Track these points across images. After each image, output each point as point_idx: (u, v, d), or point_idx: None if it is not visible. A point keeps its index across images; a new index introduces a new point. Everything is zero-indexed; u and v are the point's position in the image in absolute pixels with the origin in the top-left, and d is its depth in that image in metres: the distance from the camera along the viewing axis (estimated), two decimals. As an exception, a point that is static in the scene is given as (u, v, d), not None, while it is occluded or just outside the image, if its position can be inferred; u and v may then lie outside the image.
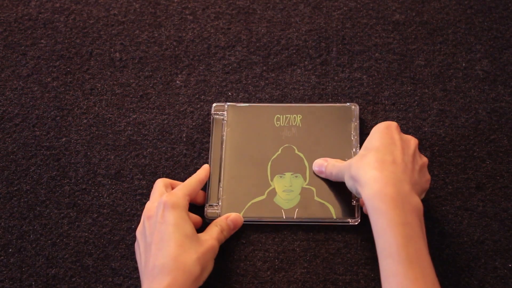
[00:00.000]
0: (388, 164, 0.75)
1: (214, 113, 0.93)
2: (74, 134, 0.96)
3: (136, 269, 0.87)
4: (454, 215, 0.87)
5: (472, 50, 0.98)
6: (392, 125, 0.80)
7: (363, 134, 0.91)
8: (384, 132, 0.79)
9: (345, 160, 0.85)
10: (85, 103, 0.99)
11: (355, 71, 0.97)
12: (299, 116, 0.86)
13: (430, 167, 0.87)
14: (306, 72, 0.98)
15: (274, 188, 0.84)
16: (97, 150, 0.95)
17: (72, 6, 1.06)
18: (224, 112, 0.92)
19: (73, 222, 0.91)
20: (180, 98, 0.98)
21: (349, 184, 0.80)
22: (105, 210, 0.91)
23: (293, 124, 0.85)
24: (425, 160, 0.81)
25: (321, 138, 0.86)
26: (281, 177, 0.85)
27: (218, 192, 0.88)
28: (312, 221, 0.85)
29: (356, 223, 0.85)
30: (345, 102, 0.92)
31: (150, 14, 1.05)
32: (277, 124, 0.86)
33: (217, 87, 0.98)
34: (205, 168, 0.89)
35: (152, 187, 0.90)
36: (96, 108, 0.98)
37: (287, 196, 0.84)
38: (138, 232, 0.82)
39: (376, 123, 0.92)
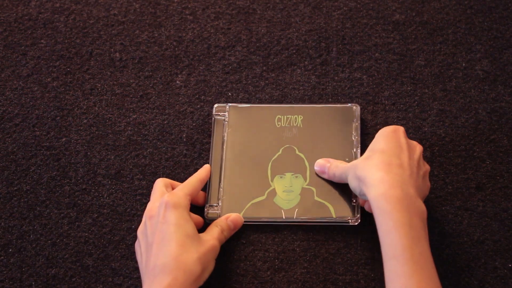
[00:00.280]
0: (395, 167, 0.75)
1: (216, 114, 0.93)
2: (74, 134, 0.96)
3: (136, 269, 0.87)
4: (454, 215, 0.87)
5: (472, 50, 0.98)
6: (399, 129, 0.80)
7: (363, 134, 0.91)
8: (390, 136, 0.79)
9: (346, 161, 0.85)
10: (85, 103, 0.99)
11: (355, 71, 0.97)
12: (300, 117, 0.86)
13: (430, 167, 0.87)
14: (306, 72, 0.98)
15: (274, 189, 0.85)
16: (97, 150, 0.95)
17: (72, 6, 1.06)
18: (225, 113, 0.92)
19: (73, 222, 0.91)
20: (180, 98, 0.98)
21: (353, 184, 0.80)
22: (105, 210, 0.91)
23: (294, 125, 0.85)
24: (428, 167, 0.82)
25: (322, 138, 0.86)
26: (281, 177, 0.85)
27: (218, 193, 0.88)
28: (312, 221, 0.85)
29: (356, 223, 0.85)
30: (346, 103, 0.92)
31: (150, 14, 1.05)
32: (278, 124, 0.86)
33: (217, 87, 0.98)
34: (205, 168, 0.89)
35: (152, 187, 0.90)
36: (96, 108, 0.98)
37: (287, 196, 0.84)
38: (139, 232, 0.83)
39: (376, 123, 0.93)
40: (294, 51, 1.00)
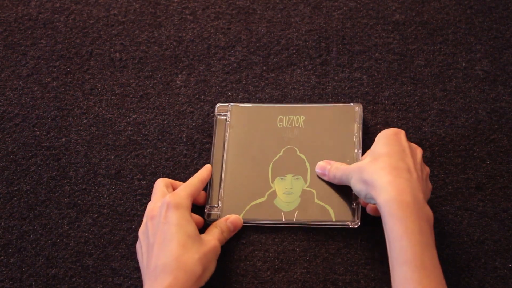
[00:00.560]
0: (403, 171, 0.75)
1: (218, 114, 0.93)
2: (74, 134, 0.97)
3: (136, 269, 0.87)
4: (454, 215, 0.87)
5: (472, 50, 0.98)
6: (401, 132, 0.80)
7: (363, 134, 0.91)
8: (392, 139, 0.79)
9: (347, 162, 0.85)
10: (85, 103, 0.99)
11: (355, 71, 0.97)
12: (302, 117, 0.86)
13: (430, 167, 0.87)
14: (306, 72, 0.98)
15: (274, 190, 0.84)
16: (97, 150, 0.95)
17: (72, 6, 1.06)
18: (227, 113, 0.92)
19: (73, 222, 0.91)
20: (180, 98, 0.98)
21: (357, 187, 0.79)
22: (105, 210, 0.91)
23: (296, 125, 0.85)
24: (428, 169, 0.82)
25: (324, 139, 0.86)
26: (282, 179, 0.85)
27: (219, 194, 0.88)
28: (312, 224, 0.85)
29: (356, 226, 0.85)
30: (349, 102, 0.91)
31: (150, 14, 1.05)
32: (280, 125, 0.85)
33: (217, 87, 0.98)
34: (207, 168, 0.89)
35: (152, 187, 0.90)
36: (96, 108, 0.98)
37: (287, 198, 0.84)
38: (141, 232, 0.83)
39: (376, 123, 0.93)
40: (294, 51, 1.00)
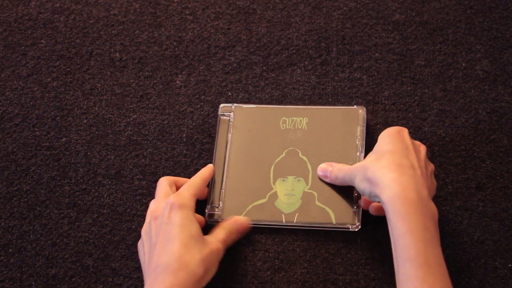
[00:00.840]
0: (407, 168, 0.75)
1: (221, 114, 0.93)
2: (74, 134, 0.97)
3: (136, 269, 0.87)
4: (454, 215, 0.87)
5: (472, 50, 0.98)
6: (404, 130, 0.80)
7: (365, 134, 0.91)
8: (396, 137, 0.79)
9: (349, 164, 0.85)
10: (85, 103, 0.99)
11: (355, 71, 0.97)
12: (305, 119, 0.85)
13: (430, 167, 0.87)
14: (306, 72, 0.98)
15: (276, 192, 0.84)
16: (97, 150, 0.95)
17: (72, 6, 1.06)
18: (230, 113, 0.92)
19: (73, 222, 0.91)
20: (180, 98, 0.98)
21: (362, 186, 0.79)
22: (105, 210, 0.91)
23: (299, 127, 0.85)
24: (432, 166, 0.82)
25: (326, 141, 0.85)
26: (283, 180, 0.84)
27: (220, 194, 0.88)
28: (312, 226, 0.85)
29: (357, 229, 0.85)
30: (352, 104, 0.91)
31: (150, 14, 1.05)
32: (283, 126, 0.85)
33: (217, 87, 0.98)
34: (209, 167, 0.89)
35: (152, 187, 0.90)
36: (96, 108, 0.98)
37: (288, 200, 0.84)
38: (143, 232, 0.82)
39: (376, 123, 0.93)
40: (294, 51, 1.00)
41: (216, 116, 0.96)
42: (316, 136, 0.85)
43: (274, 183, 0.84)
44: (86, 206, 0.92)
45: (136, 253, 0.88)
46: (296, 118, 0.86)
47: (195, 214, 0.82)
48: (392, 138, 0.79)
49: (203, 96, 0.97)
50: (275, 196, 0.84)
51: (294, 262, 0.86)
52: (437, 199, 0.88)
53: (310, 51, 1.00)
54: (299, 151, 0.85)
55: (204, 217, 0.87)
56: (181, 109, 0.97)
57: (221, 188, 0.88)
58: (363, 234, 0.86)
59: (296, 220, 0.84)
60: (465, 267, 0.84)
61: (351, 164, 0.85)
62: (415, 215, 0.72)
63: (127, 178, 0.93)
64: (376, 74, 0.97)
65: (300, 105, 0.93)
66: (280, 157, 0.85)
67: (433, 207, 0.75)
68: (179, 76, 0.99)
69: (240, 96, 0.97)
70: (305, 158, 0.84)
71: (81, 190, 0.93)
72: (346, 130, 0.86)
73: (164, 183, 0.86)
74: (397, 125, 0.93)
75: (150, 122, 0.96)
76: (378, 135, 0.92)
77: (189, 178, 0.88)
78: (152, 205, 0.85)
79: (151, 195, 0.91)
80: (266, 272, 0.85)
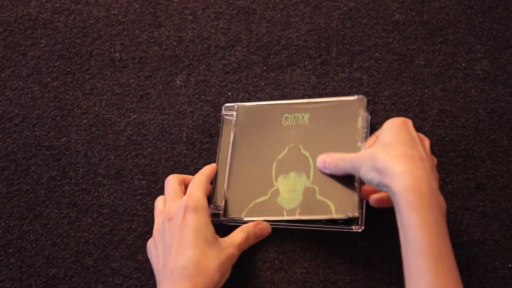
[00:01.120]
0: (417, 159, 0.74)
1: (225, 114, 0.93)
2: (74, 134, 0.97)
3: (136, 269, 0.87)
4: (454, 215, 0.87)
5: (472, 50, 0.98)
6: (408, 121, 0.79)
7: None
8: (401, 127, 0.78)
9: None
10: (85, 103, 0.99)
11: (355, 71, 0.97)
12: (308, 115, 0.85)
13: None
14: (306, 72, 0.98)
15: (277, 188, 0.84)
16: (97, 150, 0.95)
17: (72, 6, 1.06)
18: (233, 112, 0.92)
19: (73, 222, 0.91)
20: (180, 98, 0.98)
21: (369, 176, 0.77)
22: (105, 210, 0.91)
23: (301, 123, 0.84)
24: (436, 160, 0.82)
25: (328, 134, 0.84)
26: (285, 177, 0.84)
27: (223, 194, 0.88)
28: (313, 225, 0.84)
29: (360, 230, 0.84)
30: (353, 94, 0.90)
31: (150, 14, 1.05)
32: (285, 123, 0.85)
33: (217, 87, 0.98)
34: (212, 164, 0.89)
35: (152, 187, 0.90)
36: (96, 108, 0.98)
37: (290, 195, 0.84)
38: (156, 232, 0.82)
39: (376, 123, 0.93)
40: (294, 51, 1.00)
41: (216, 116, 0.96)
42: (318, 130, 0.84)
43: (276, 180, 0.84)
44: (86, 206, 0.92)
45: (136, 253, 0.88)
46: (298, 114, 0.85)
47: (209, 215, 0.82)
48: (398, 129, 0.78)
49: (203, 96, 0.97)
50: (277, 193, 0.84)
51: (294, 262, 0.86)
52: (437, 199, 0.88)
53: (310, 51, 1.00)
54: (301, 146, 0.84)
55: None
56: (181, 109, 0.97)
57: (224, 188, 0.88)
58: (363, 234, 0.86)
59: (297, 214, 0.83)
60: (465, 267, 0.84)
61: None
62: (428, 208, 0.71)
63: (127, 178, 0.93)
64: (376, 74, 0.97)
65: (303, 99, 0.91)
66: (282, 154, 0.84)
67: (442, 199, 0.74)
68: (179, 76, 0.99)
69: (240, 96, 0.97)
70: (306, 153, 0.83)
71: (81, 190, 0.93)
72: (348, 121, 0.85)
73: (174, 182, 0.85)
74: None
75: (150, 122, 0.96)
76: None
77: (173, 174, 0.88)
78: (160, 202, 0.84)
79: (151, 195, 0.91)
80: (266, 272, 0.85)
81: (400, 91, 0.96)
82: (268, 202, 0.84)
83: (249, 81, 0.98)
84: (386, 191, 0.76)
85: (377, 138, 0.81)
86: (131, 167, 0.93)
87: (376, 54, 0.98)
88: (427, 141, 0.80)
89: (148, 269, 0.87)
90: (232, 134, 0.90)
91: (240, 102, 0.95)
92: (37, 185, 0.94)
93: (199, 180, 0.85)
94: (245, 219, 0.86)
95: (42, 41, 1.04)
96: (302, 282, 0.84)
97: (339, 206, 0.81)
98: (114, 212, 0.91)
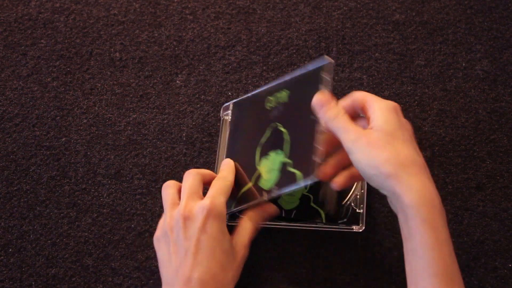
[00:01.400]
0: (424, 169, 0.71)
1: (225, 114, 0.92)
2: (74, 134, 0.97)
3: (136, 268, 0.87)
4: (454, 215, 0.87)
5: (472, 50, 0.98)
6: (398, 109, 0.75)
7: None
8: (398, 120, 0.74)
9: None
10: (85, 103, 0.99)
11: (355, 71, 0.97)
12: (287, 92, 0.80)
13: (430, 167, 0.86)
14: (306, 72, 0.98)
15: (260, 172, 0.81)
16: (97, 150, 0.95)
17: (72, 6, 1.06)
18: (229, 111, 0.92)
19: (73, 222, 0.91)
20: (180, 98, 0.98)
21: (369, 172, 0.71)
22: (105, 210, 0.91)
23: (282, 102, 0.80)
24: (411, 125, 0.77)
25: (304, 107, 0.77)
26: (266, 158, 0.81)
27: None
28: (308, 226, 0.85)
29: (361, 230, 0.84)
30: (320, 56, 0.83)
31: (150, 14, 1.05)
32: (268, 106, 0.82)
33: (217, 87, 0.98)
34: (231, 166, 0.84)
35: (152, 186, 0.91)
36: (96, 108, 0.98)
37: (269, 175, 0.80)
38: (170, 228, 0.77)
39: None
40: (294, 51, 1.00)
41: (216, 115, 0.96)
42: (296, 106, 0.79)
43: (259, 164, 0.81)
44: (86, 205, 0.92)
45: (136, 252, 0.88)
46: (278, 94, 0.81)
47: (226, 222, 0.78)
48: (395, 120, 0.73)
49: (203, 96, 0.98)
50: (259, 177, 0.81)
51: (294, 262, 0.86)
52: (437, 199, 0.88)
53: (310, 51, 1.00)
54: (279, 124, 0.80)
55: None
56: (181, 109, 0.97)
57: None
58: (363, 234, 0.86)
59: (293, 216, 0.85)
60: (465, 267, 0.84)
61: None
62: (442, 227, 0.68)
63: (127, 178, 0.93)
64: (376, 74, 0.97)
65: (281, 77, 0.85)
66: (264, 137, 0.81)
67: (443, 207, 0.71)
68: (179, 76, 0.99)
69: (240, 96, 0.97)
70: (283, 130, 0.79)
71: (81, 190, 0.93)
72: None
73: (196, 178, 0.80)
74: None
75: (150, 122, 0.96)
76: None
77: (193, 169, 0.83)
78: (173, 191, 0.80)
79: (151, 194, 0.91)
80: (266, 272, 0.85)
81: (400, 91, 0.96)
82: (252, 189, 0.82)
83: (249, 81, 0.98)
84: (383, 193, 0.72)
85: (354, 107, 0.76)
86: (131, 166, 0.93)
87: (376, 54, 0.98)
88: (409, 125, 0.76)
89: (148, 269, 0.87)
90: (227, 133, 0.89)
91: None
92: (37, 185, 0.94)
93: (225, 185, 0.80)
94: (234, 209, 0.83)
95: (42, 41, 1.04)
96: (302, 281, 0.84)
97: (328, 214, 0.83)
98: (114, 212, 0.91)
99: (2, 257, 0.89)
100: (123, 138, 0.96)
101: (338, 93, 0.96)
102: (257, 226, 0.81)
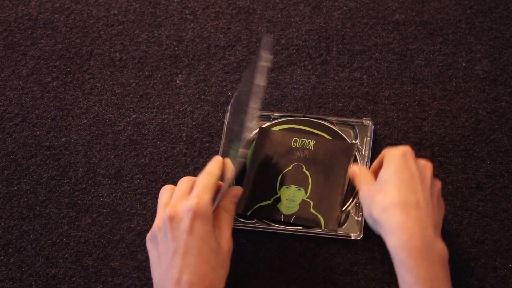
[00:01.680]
0: (412, 209, 0.73)
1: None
2: (74, 134, 0.97)
3: (136, 268, 0.87)
4: (454, 215, 0.87)
5: (472, 50, 0.98)
6: (408, 152, 0.77)
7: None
8: (401, 164, 0.76)
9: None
10: (85, 103, 0.99)
11: (355, 71, 0.97)
12: (313, 141, 0.92)
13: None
14: (306, 72, 0.98)
15: (279, 196, 0.89)
16: (97, 150, 0.95)
17: (72, 6, 1.06)
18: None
19: (73, 222, 0.91)
20: (180, 98, 0.98)
21: (368, 220, 0.79)
22: (105, 210, 0.91)
23: (307, 147, 0.92)
24: (439, 185, 0.80)
25: (324, 162, 0.91)
26: (287, 188, 0.90)
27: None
28: (306, 232, 0.87)
29: (358, 238, 0.85)
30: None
31: (150, 14, 1.05)
32: (294, 145, 0.92)
33: (217, 87, 0.98)
34: (218, 162, 0.83)
35: (152, 186, 0.90)
36: (96, 108, 0.98)
37: (289, 204, 0.89)
38: (158, 229, 0.78)
39: (376, 123, 0.93)
40: (294, 51, 1.00)
41: (216, 115, 0.96)
42: (318, 156, 0.91)
43: (279, 189, 0.90)
44: (85, 205, 0.92)
45: (136, 252, 0.88)
46: (305, 140, 0.92)
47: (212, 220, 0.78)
48: (397, 166, 0.77)
49: (203, 96, 0.98)
50: (278, 200, 0.89)
51: (294, 262, 0.86)
52: (437, 199, 0.87)
53: (310, 51, 1.00)
54: (303, 166, 0.91)
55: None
56: (181, 109, 0.97)
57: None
58: (363, 234, 0.86)
59: (292, 221, 0.88)
60: (465, 267, 0.84)
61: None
62: (422, 266, 0.70)
63: (127, 178, 0.93)
64: (376, 74, 0.97)
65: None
66: (287, 169, 0.91)
67: (441, 247, 0.73)
68: (179, 75, 0.99)
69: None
70: (307, 173, 0.90)
71: (81, 190, 0.93)
72: (341, 157, 0.90)
73: (189, 184, 0.80)
74: (397, 125, 0.93)
75: (150, 122, 0.96)
76: (379, 135, 0.92)
77: (189, 176, 0.84)
78: (167, 193, 0.80)
79: (151, 194, 0.91)
80: (266, 272, 0.85)
81: (400, 91, 0.96)
82: (270, 206, 0.89)
83: (249, 81, 0.98)
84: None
85: (381, 162, 0.81)
86: (131, 166, 0.93)
87: (376, 54, 0.98)
88: (429, 170, 0.78)
89: (148, 269, 0.86)
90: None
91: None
92: (37, 185, 0.94)
93: (209, 181, 0.80)
94: (249, 214, 0.88)
95: (42, 41, 1.04)
96: (302, 282, 0.84)
97: (326, 222, 0.87)
98: (114, 212, 0.91)
99: (2, 257, 0.89)
100: (123, 138, 0.96)
101: (338, 93, 0.96)
102: (232, 213, 0.82)
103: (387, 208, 0.74)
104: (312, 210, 0.88)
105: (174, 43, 1.02)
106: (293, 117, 0.94)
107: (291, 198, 0.89)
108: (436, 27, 1.00)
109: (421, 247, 0.71)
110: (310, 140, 0.93)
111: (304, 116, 0.94)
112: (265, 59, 0.81)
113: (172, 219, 0.76)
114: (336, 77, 0.97)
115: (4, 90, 1.01)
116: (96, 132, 0.96)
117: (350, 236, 0.86)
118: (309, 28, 1.01)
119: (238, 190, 0.84)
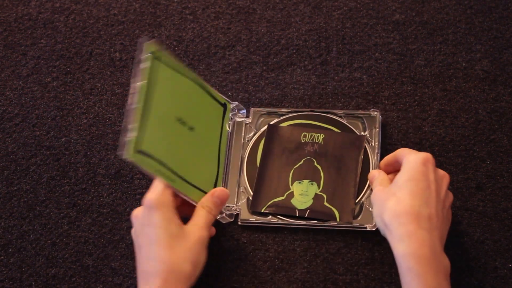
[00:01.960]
0: (424, 220, 0.74)
1: (238, 116, 0.95)
2: (74, 134, 0.97)
3: (136, 268, 0.87)
4: (454, 215, 0.87)
5: (472, 50, 0.98)
6: (429, 161, 0.78)
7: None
8: (419, 172, 0.77)
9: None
10: (85, 103, 0.99)
11: (355, 71, 0.97)
12: (322, 135, 0.92)
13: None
14: (306, 72, 0.98)
15: (292, 191, 0.90)
16: (97, 150, 0.95)
17: (72, 6, 1.06)
18: (248, 119, 0.94)
19: (73, 222, 0.91)
20: (180, 98, 0.98)
21: (376, 220, 0.80)
22: (105, 210, 0.91)
23: (316, 141, 0.92)
24: (451, 198, 0.81)
25: (334, 155, 0.91)
26: (299, 183, 0.90)
27: (237, 194, 0.90)
28: (320, 225, 0.87)
29: (374, 229, 0.85)
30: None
31: (150, 14, 1.05)
32: (303, 140, 0.93)
33: (217, 87, 0.98)
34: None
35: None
36: (96, 108, 0.98)
37: (302, 199, 0.89)
38: (132, 231, 0.82)
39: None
40: (294, 51, 1.00)
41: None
42: (328, 150, 0.92)
43: (292, 184, 0.90)
44: (86, 205, 0.92)
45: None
46: (315, 134, 0.93)
47: (174, 208, 0.80)
48: (415, 172, 0.77)
49: (203, 96, 0.97)
50: (291, 195, 0.90)
51: (294, 262, 0.86)
52: (437, 199, 0.87)
53: (310, 51, 1.00)
54: (314, 160, 0.91)
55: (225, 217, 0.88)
56: (181, 109, 0.97)
57: (238, 188, 0.91)
58: (363, 234, 0.86)
59: (307, 215, 0.88)
60: (465, 267, 0.84)
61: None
62: (430, 274, 0.71)
63: (127, 178, 0.93)
64: (376, 74, 0.97)
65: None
66: (298, 164, 0.91)
67: (445, 261, 0.74)
68: (179, 76, 0.99)
69: (240, 96, 0.97)
70: (319, 167, 0.91)
71: (81, 190, 0.93)
72: (351, 153, 0.91)
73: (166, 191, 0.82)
74: (397, 125, 0.93)
75: (150, 122, 0.96)
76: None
77: None
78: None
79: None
80: (266, 272, 0.85)
81: (400, 91, 0.96)
82: (283, 201, 0.89)
83: (249, 81, 0.98)
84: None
85: (394, 160, 0.83)
86: (131, 166, 0.93)
87: (376, 54, 0.98)
88: (445, 181, 0.79)
89: (148, 269, 0.86)
90: (247, 137, 0.94)
91: (240, 101, 0.95)
92: (37, 185, 0.94)
93: (160, 178, 0.82)
94: (263, 211, 0.89)
95: (42, 41, 1.04)
96: (302, 282, 0.84)
97: (341, 214, 0.87)
98: (114, 212, 0.91)
99: (2, 257, 0.89)
100: (123, 138, 0.96)
101: (338, 93, 0.96)
102: (210, 212, 0.83)
103: (399, 215, 0.75)
104: (326, 203, 0.88)
105: (174, 43, 1.02)
106: (300, 112, 0.95)
107: (304, 192, 0.90)
108: (436, 27, 1.00)
109: (429, 256, 0.72)
110: (319, 134, 0.93)
111: (311, 111, 0.95)
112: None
113: (135, 217, 0.80)
114: (336, 77, 0.97)
115: (4, 90, 1.01)
116: (96, 132, 0.96)
117: (366, 227, 0.85)
118: (309, 28, 1.01)
119: (223, 192, 0.85)
